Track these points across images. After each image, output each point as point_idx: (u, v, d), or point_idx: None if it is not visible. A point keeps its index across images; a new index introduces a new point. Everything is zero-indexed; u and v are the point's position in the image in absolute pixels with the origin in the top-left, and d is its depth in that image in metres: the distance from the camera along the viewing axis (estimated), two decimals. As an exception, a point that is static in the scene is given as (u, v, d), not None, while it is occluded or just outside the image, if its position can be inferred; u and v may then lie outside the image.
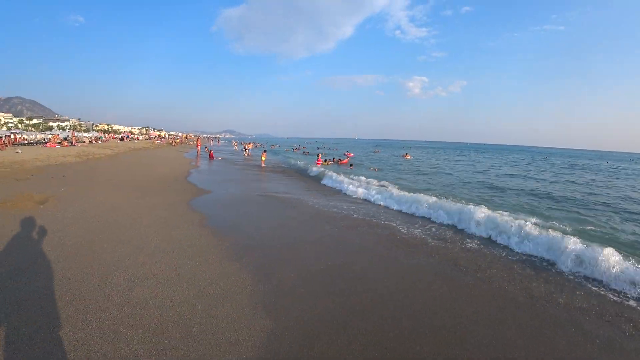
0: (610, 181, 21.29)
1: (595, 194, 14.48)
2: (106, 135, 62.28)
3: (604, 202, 12.17)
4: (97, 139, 45.16)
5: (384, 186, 12.57)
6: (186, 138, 79.47)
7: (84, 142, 37.07)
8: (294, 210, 9.07)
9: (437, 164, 31.03)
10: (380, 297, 4.14)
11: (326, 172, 17.08)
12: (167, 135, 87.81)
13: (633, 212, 10.45)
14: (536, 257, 5.83)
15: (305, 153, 44.03)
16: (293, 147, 54.23)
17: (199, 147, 32.77)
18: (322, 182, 15.27)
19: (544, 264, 5.54)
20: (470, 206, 8.25)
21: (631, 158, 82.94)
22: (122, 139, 56.81)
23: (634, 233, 7.86)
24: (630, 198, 13.70)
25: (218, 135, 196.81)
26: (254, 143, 65.92)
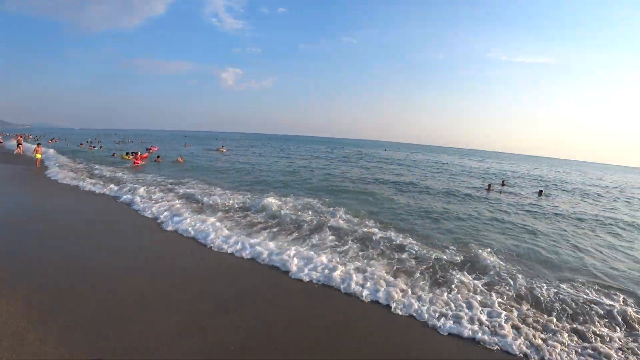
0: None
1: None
2: None
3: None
4: None
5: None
6: None
7: None
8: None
9: (250, 158, 33.14)
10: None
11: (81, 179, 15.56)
12: None
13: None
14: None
15: (92, 147, 36.67)
16: (81, 142, 43.31)
17: None
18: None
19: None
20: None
21: (384, 148, 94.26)
22: None
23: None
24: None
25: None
26: (25, 135, 53.20)
